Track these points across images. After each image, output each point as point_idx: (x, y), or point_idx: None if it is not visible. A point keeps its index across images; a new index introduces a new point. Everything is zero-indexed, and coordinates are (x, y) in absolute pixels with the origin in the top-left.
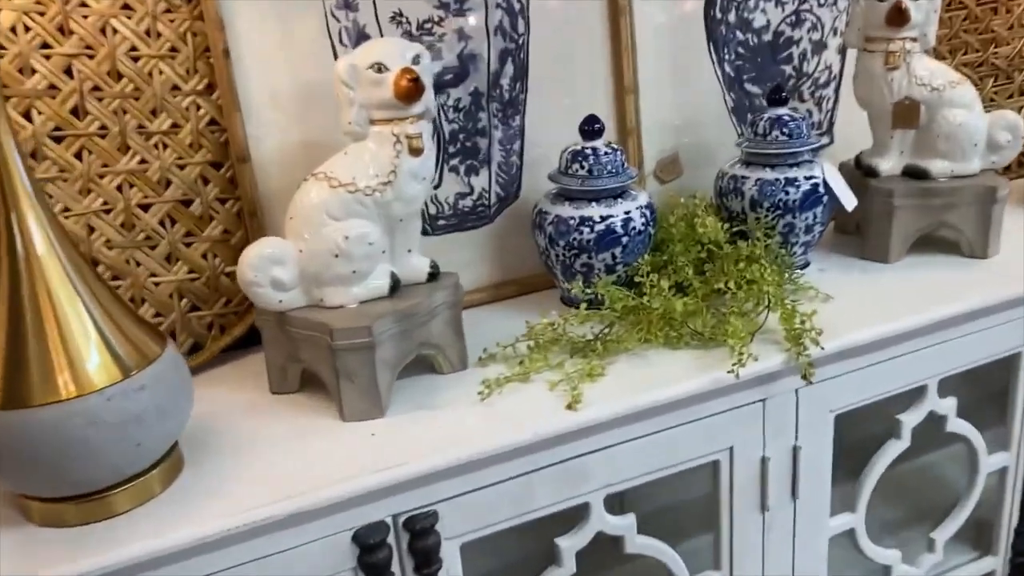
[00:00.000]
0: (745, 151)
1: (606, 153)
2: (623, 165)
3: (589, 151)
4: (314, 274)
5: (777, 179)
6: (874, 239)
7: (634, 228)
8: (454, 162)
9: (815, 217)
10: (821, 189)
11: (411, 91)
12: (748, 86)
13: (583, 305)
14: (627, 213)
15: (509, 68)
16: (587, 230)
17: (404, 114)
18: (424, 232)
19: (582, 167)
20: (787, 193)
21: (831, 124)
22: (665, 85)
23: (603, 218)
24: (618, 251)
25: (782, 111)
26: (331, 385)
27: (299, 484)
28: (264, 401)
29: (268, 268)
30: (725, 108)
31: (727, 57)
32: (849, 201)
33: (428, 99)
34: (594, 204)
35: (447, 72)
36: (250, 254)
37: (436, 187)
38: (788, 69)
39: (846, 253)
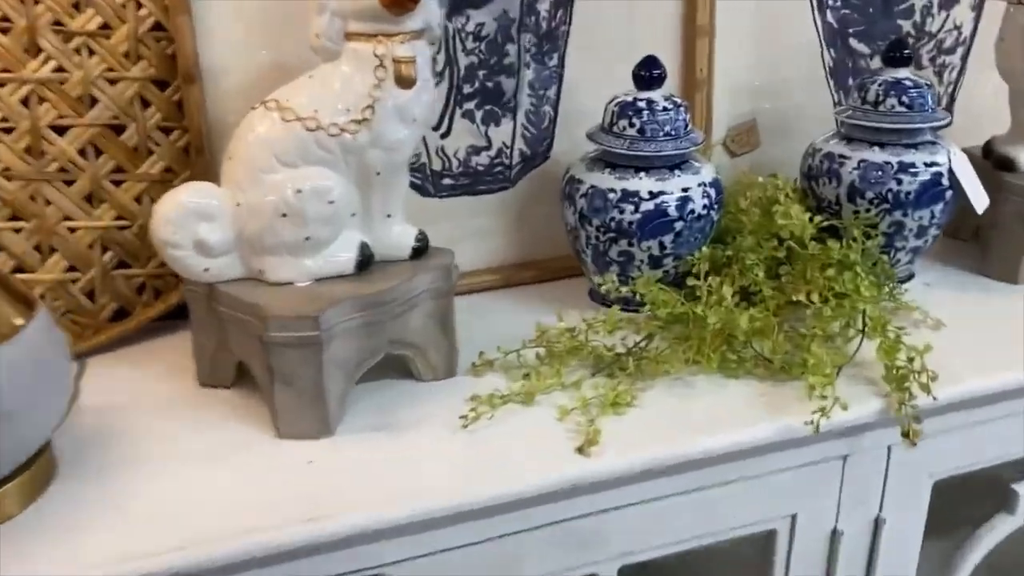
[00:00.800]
0: (847, 122)
1: (665, 109)
2: (686, 126)
3: (643, 104)
4: (254, 237)
5: (887, 162)
6: (1000, 251)
7: (692, 211)
8: (469, 106)
9: (932, 217)
10: (945, 181)
11: None
12: (853, 42)
13: (615, 307)
14: (685, 191)
15: None
16: (630, 208)
17: (393, 29)
18: (424, 192)
19: (632, 124)
20: (899, 182)
21: (951, 100)
22: (747, 32)
23: (653, 194)
24: (668, 239)
25: (902, 73)
26: (264, 388)
27: (195, 528)
28: (187, 395)
29: (191, 224)
30: (822, 67)
31: (830, 3)
32: (980, 200)
33: (430, 11)
34: (643, 175)
35: None
36: (167, 204)
37: (443, 135)
38: (906, 25)
39: (960, 265)
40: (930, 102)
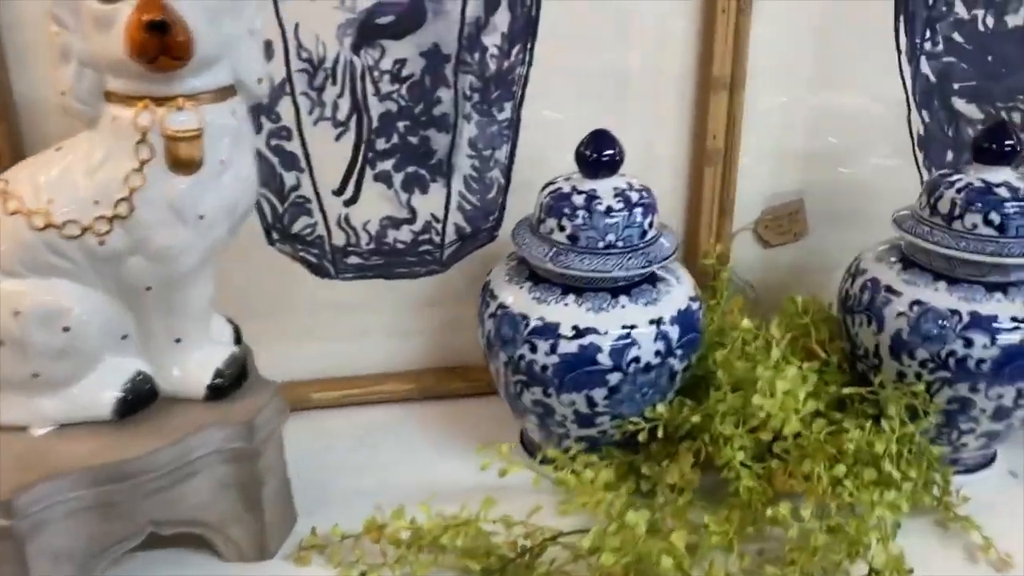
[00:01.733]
0: (905, 237)
1: (610, 210)
2: (643, 234)
3: (581, 198)
4: None
5: (955, 310)
6: None
7: (637, 360)
8: (384, 166)
9: (1020, 396)
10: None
11: (149, 45)
12: (959, 103)
13: (545, 466)
14: (628, 330)
15: (503, 16)
16: (545, 347)
17: (166, 90)
18: (321, 272)
19: (562, 228)
20: (968, 342)
21: None
22: (799, 80)
23: (579, 331)
24: (600, 395)
25: (999, 175)
26: None
27: None
28: None
29: None
30: (908, 133)
31: (929, 46)
32: None
33: (241, 59)
34: (571, 300)
35: (382, 10)
36: None
37: (348, 202)
38: None
39: None
40: None
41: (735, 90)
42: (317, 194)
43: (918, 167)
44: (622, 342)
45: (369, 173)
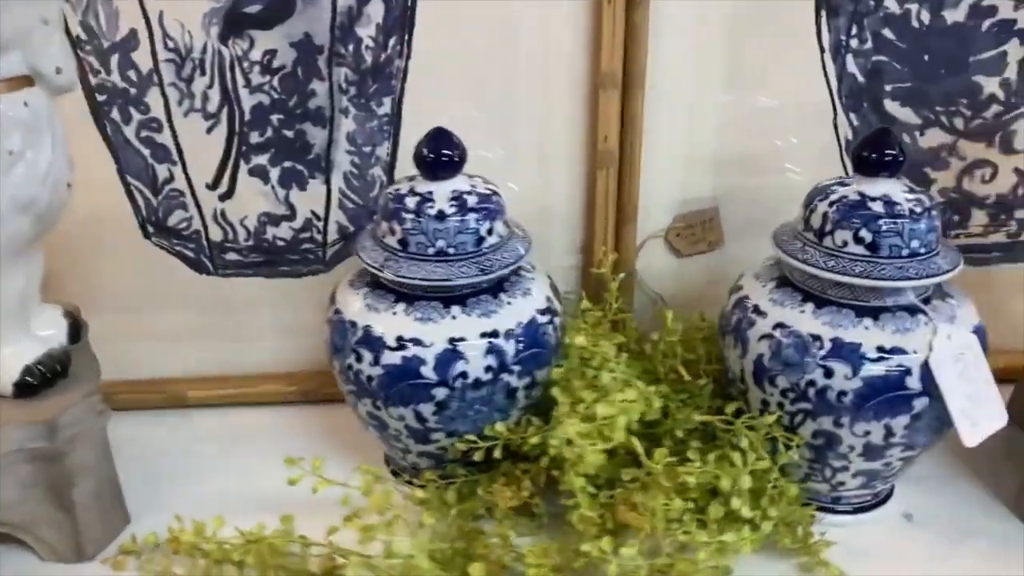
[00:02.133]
0: (781, 258)
1: (441, 214)
2: (478, 240)
3: (414, 201)
4: None
5: (816, 336)
6: None
7: (464, 375)
8: (259, 160)
9: (890, 434)
10: (915, 382)
11: None
12: (891, 105)
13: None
14: (455, 343)
15: (376, 7)
16: (369, 355)
17: None
18: (200, 268)
19: (392, 232)
20: (828, 372)
21: None
22: (711, 79)
23: (401, 343)
24: (428, 410)
25: (879, 188)
26: None
27: None
28: None
29: None
30: (835, 138)
31: (856, 43)
32: (974, 425)
33: (36, 49)
34: (400, 308)
35: None
36: None
37: (223, 196)
38: (990, 85)
39: (977, 503)
40: (917, 243)
41: (631, 88)
42: (191, 188)
43: (847, 174)
44: (446, 356)
45: (244, 167)
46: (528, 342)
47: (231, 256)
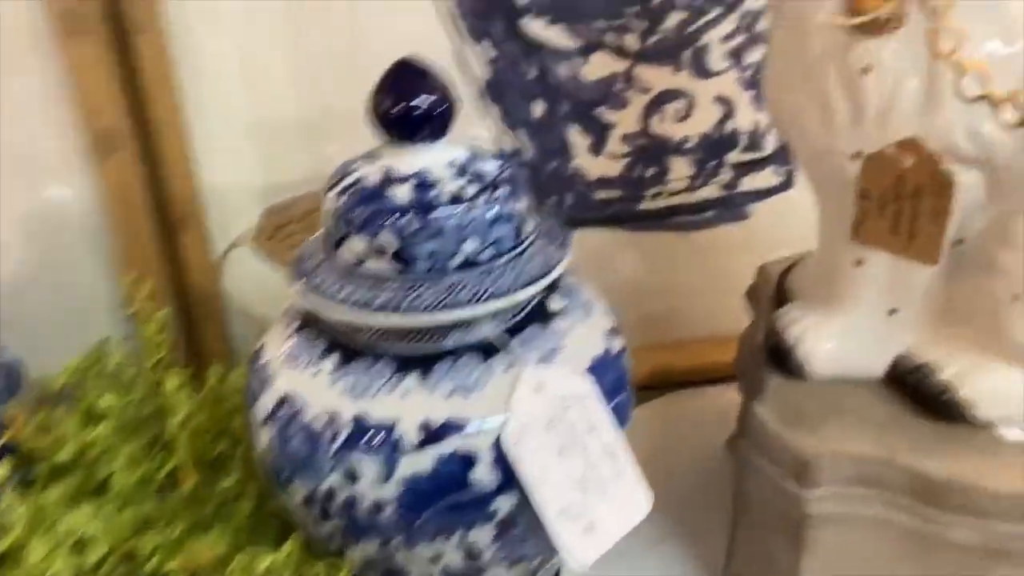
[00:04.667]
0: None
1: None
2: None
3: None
4: None
5: (334, 414)
6: None
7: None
8: None
9: (474, 554)
10: (486, 477)
11: None
12: (534, 24)
13: None
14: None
15: None
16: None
17: None
18: None
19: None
20: (352, 476)
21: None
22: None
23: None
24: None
25: (422, 158)
26: None
27: None
28: None
29: None
30: (463, 76)
31: None
32: (582, 539)
33: None
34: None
35: None
36: None
37: None
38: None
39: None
40: (476, 243)
41: (132, 33)
42: None
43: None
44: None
45: None
46: None
47: None
